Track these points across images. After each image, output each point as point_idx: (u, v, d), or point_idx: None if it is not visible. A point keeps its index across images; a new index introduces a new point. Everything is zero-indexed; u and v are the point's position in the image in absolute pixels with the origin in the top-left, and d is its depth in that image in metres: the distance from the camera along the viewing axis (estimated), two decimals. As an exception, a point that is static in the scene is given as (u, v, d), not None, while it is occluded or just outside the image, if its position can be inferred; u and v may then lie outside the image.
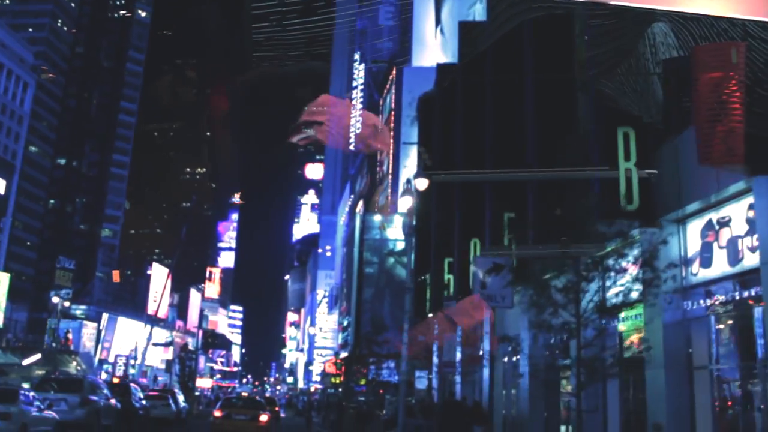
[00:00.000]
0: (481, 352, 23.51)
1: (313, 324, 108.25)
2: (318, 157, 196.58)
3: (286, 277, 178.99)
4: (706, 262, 14.18)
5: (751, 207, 12.91)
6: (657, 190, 15.43)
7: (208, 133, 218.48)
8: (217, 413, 24.00)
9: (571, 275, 11.51)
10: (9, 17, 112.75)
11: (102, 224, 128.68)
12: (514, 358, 22.99)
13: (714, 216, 14.11)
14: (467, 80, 28.04)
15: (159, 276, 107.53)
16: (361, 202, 69.87)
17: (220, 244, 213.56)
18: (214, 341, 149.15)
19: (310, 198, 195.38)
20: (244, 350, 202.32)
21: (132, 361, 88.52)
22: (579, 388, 11.86)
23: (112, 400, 21.08)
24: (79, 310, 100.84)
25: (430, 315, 30.32)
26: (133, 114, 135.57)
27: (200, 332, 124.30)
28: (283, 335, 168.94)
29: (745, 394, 13.48)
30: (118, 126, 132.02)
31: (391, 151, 60.94)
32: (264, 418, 23.82)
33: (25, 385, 22.63)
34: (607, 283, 11.70)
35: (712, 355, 14.06)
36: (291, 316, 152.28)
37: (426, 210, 27.78)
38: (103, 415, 19.53)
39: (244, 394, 45.80)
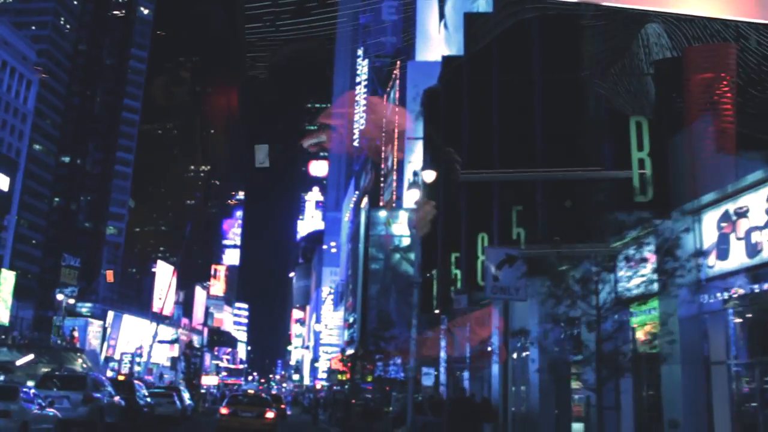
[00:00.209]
0: (489, 348, 23.16)
1: (318, 321, 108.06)
2: (322, 154, 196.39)
3: (291, 274, 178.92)
4: (723, 254, 13.78)
5: (770, 197, 12.53)
6: (671, 180, 15.04)
7: (212, 131, 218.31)
8: (224, 410, 24.13)
9: (590, 265, 11.13)
10: (12, 15, 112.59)
11: (107, 222, 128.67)
12: (524, 354, 22.64)
13: (731, 206, 13.70)
14: (473, 72, 27.60)
15: (164, 273, 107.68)
16: (366, 198, 69.53)
17: (225, 242, 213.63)
18: (220, 339, 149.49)
19: (314, 195, 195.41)
20: (249, 347, 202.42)
21: (138, 359, 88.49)
22: (599, 383, 11.49)
23: (116, 398, 20.80)
24: (84, 307, 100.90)
25: (440, 321, 29.94)
26: (136, 111, 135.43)
27: (206, 330, 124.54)
28: (289, 332, 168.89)
29: (764, 389, 13.11)
30: (121, 124, 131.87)
31: (396, 147, 60.57)
32: (270, 415, 23.94)
33: (30, 383, 22.39)
34: (628, 273, 11.32)
35: (729, 349, 13.68)
36: (296, 314, 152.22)
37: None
38: (107, 413, 19.24)
39: (251, 391, 45.64)
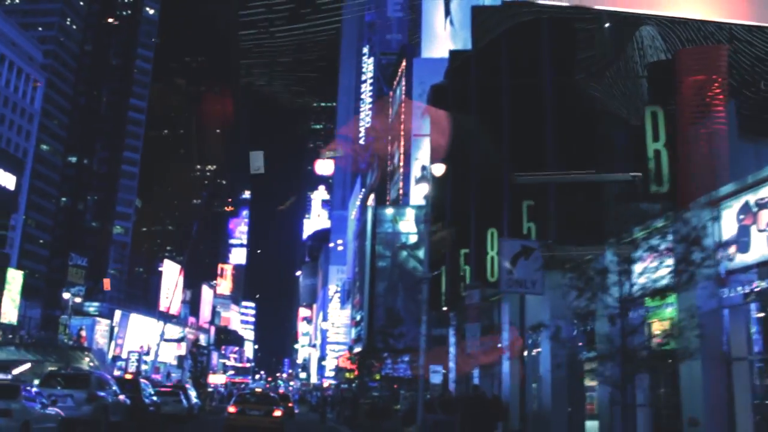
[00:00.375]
0: (499, 345, 22.79)
1: (325, 319, 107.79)
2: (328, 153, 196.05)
3: (298, 273, 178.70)
4: (744, 247, 13.35)
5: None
6: (689, 171, 14.62)
7: (218, 130, 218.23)
8: (232, 409, 24.27)
9: (613, 256, 10.73)
10: (19, 16, 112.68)
11: (114, 221, 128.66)
12: (534, 352, 22.26)
13: (751, 198, 13.27)
14: (481, 66, 27.24)
15: (171, 273, 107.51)
16: (372, 196, 69.18)
17: (232, 241, 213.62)
18: (227, 337, 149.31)
19: (320, 194, 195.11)
20: (256, 346, 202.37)
21: (145, 357, 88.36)
22: (623, 380, 11.08)
23: (121, 397, 20.48)
24: (92, 307, 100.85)
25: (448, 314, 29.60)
26: (142, 111, 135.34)
27: (212, 328, 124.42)
28: (295, 331, 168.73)
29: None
30: (128, 123, 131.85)
31: (402, 144, 60.19)
32: (278, 413, 24.08)
33: (36, 382, 22.11)
34: (653, 265, 10.90)
35: (751, 345, 13.25)
36: (303, 312, 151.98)
37: (441, 200, 27.01)
38: (111, 412, 18.89)
39: (258, 390, 45.49)
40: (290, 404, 48.00)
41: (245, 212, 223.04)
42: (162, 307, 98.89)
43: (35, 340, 68.40)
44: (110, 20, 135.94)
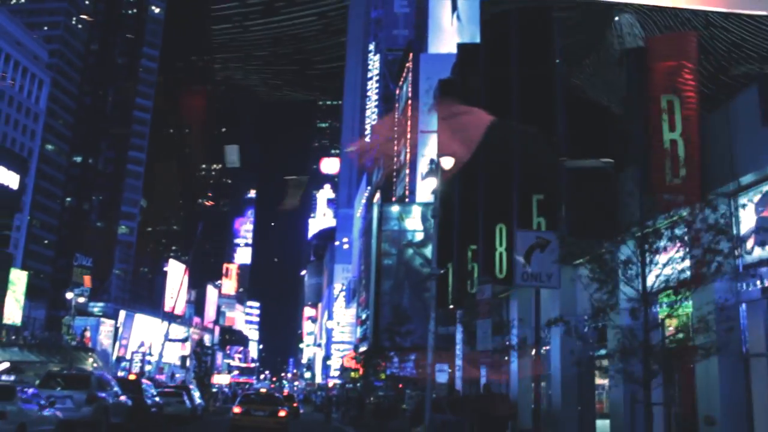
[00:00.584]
0: (507, 342, 22.32)
1: (330, 318, 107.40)
2: (333, 151, 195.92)
3: (303, 272, 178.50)
4: (762, 240, 12.87)
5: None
6: (706, 161, 14.12)
7: (223, 129, 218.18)
8: (236, 409, 24.40)
9: (635, 247, 10.26)
10: (24, 15, 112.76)
11: (119, 221, 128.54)
12: (544, 349, 21.79)
13: (772, 188, 12.79)
14: (490, 59, 26.73)
15: (176, 272, 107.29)
16: (378, 194, 68.73)
17: (237, 241, 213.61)
18: (232, 337, 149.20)
19: (325, 193, 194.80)
20: (261, 346, 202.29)
21: (149, 358, 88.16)
22: (647, 376, 10.59)
23: (122, 397, 20.07)
24: (96, 307, 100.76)
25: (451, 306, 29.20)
26: (148, 111, 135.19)
27: (217, 328, 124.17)
28: (300, 331, 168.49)
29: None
30: (133, 123, 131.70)
31: (409, 141, 59.73)
32: (282, 413, 24.21)
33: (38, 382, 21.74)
34: (677, 255, 10.43)
35: (771, 341, 12.76)
36: (308, 311, 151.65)
37: (448, 196, 26.53)
38: (112, 413, 18.47)
39: (263, 390, 45.26)
40: (295, 404, 47.68)
41: (250, 212, 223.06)
42: (167, 307, 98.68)
43: (39, 340, 68.21)
44: (115, 19, 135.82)
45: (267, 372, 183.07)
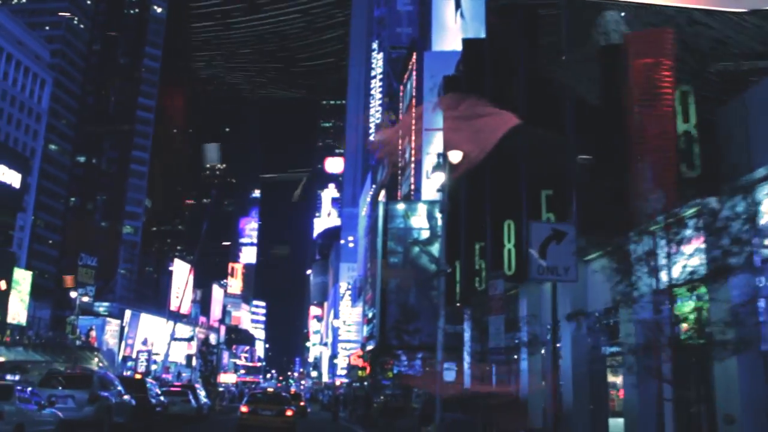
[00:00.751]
0: (516, 341, 21.98)
1: (336, 317, 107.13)
2: (337, 150, 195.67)
3: (308, 271, 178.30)
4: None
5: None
6: (721, 154, 13.74)
7: (227, 129, 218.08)
8: (244, 409, 24.42)
9: (660, 238, 9.89)
10: (26, 15, 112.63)
11: (123, 221, 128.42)
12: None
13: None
14: (495, 54, 26.37)
15: (181, 272, 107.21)
16: (383, 192, 68.39)
17: (242, 240, 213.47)
18: (238, 337, 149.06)
19: (330, 192, 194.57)
20: (267, 345, 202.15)
21: (155, 357, 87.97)
22: (675, 372, 10.21)
23: (126, 397, 19.74)
24: (102, 307, 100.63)
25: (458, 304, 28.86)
26: (150, 110, 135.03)
27: (222, 328, 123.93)
28: (306, 330, 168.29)
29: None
30: (136, 122, 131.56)
31: (414, 139, 59.35)
32: (289, 413, 24.23)
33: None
34: (702, 246, 10.06)
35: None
36: (314, 310, 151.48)
37: (455, 192, 26.17)
38: (115, 413, 18.15)
39: (270, 389, 45.07)
40: (302, 403, 47.40)
41: (255, 211, 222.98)
42: (172, 307, 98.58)
43: (44, 340, 68.04)
44: (118, 19, 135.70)
45: (273, 371, 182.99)
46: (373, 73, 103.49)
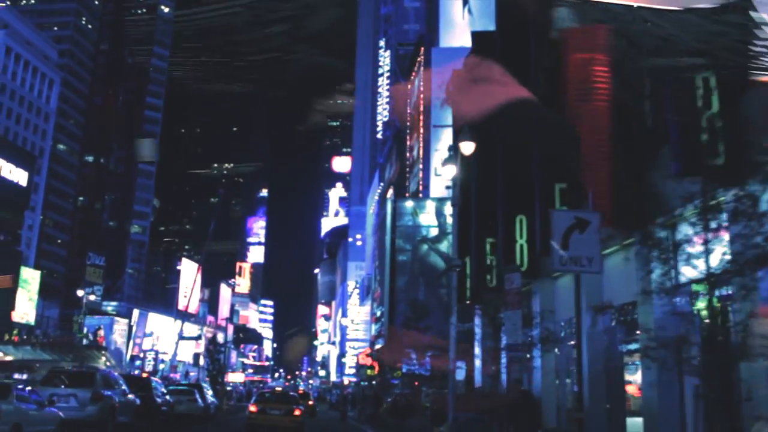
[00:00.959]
0: (529, 339, 21.46)
1: (344, 315, 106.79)
2: (345, 150, 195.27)
3: (316, 270, 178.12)
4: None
5: None
6: (746, 141, 13.18)
7: (234, 129, 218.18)
8: (252, 408, 24.44)
9: (698, 223, 9.35)
10: (34, 16, 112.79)
11: (131, 221, 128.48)
12: (570, 343, 20.91)
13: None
14: (505, 46, 25.83)
15: (189, 271, 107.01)
16: (391, 189, 67.92)
17: (249, 239, 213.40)
18: (246, 336, 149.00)
19: (337, 191, 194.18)
20: (275, 344, 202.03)
21: (162, 356, 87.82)
22: (704, 368, 9.66)
23: (130, 396, 19.30)
24: (110, 306, 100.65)
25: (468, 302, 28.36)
26: (158, 110, 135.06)
27: (230, 327, 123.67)
28: (314, 329, 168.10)
29: None
30: (144, 122, 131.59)
31: (422, 135, 58.87)
32: (298, 412, 24.23)
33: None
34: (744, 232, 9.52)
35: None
36: (322, 309, 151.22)
37: (465, 187, 25.66)
38: (119, 412, 17.71)
39: (278, 389, 44.71)
40: (311, 403, 46.96)
41: (263, 210, 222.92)
42: (180, 306, 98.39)
43: (52, 339, 67.93)
44: (125, 19, 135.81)
45: (281, 370, 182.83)
46: (380, 71, 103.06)
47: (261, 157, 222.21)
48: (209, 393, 35.62)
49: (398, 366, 40.91)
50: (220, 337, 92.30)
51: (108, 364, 63.62)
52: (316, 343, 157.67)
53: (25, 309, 71.88)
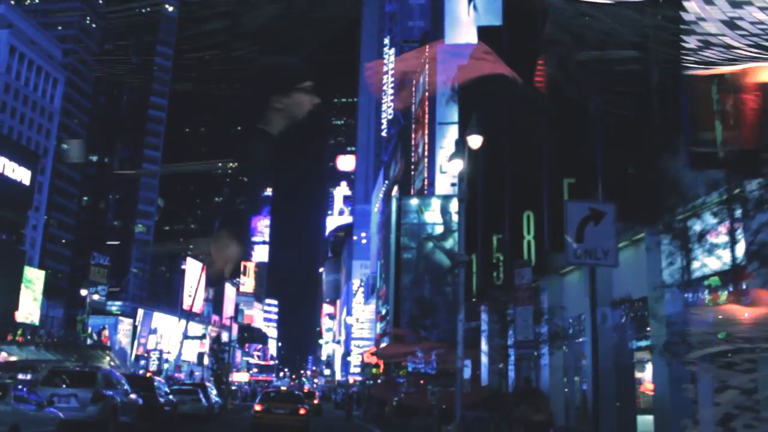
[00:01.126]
0: (536, 335, 21.12)
1: (349, 314, 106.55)
2: (349, 148, 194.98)
3: (321, 269, 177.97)
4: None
5: None
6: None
7: (239, 128, 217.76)
8: (258, 407, 24.45)
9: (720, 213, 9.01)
10: (38, 15, 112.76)
11: (135, 220, 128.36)
12: (578, 340, 20.61)
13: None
14: (512, 40, 25.54)
15: (193, 271, 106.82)
16: (396, 187, 67.61)
17: (254, 239, 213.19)
18: (250, 335, 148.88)
19: (342, 190, 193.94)
20: (280, 344, 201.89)
21: (166, 356, 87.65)
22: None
23: (133, 396, 19.02)
24: (114, 306, 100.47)
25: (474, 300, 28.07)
26: (163, 109, 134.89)
27: (235, 326, 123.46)
28: (318, 328, 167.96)
29: None
30: (148, 121, 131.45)
31: (427, 133, 58.55)
32: (303, 411, 24.29)
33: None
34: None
35: None
36: (326, 308, 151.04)
37: (472, 183, 25.35)
38: (121, 412, 17.43)
39: (283, 388, 44.55)
40: (316, 401, 46.72)
41: (267, 209, 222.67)
42: (185, 306, 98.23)
43: (56, 339, 67.76)
44: (129, 18, 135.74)
45: (286, 369, 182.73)
46: (384, 69, 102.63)
47: (265, 157, 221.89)
48: (213, 392, 35.37)
49: (404, 364, 40.63)
50: (225, 337, 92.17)
51: (112, 363, 63.46)
52: (320, 341, 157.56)
53: (29, 309, 71.73)
